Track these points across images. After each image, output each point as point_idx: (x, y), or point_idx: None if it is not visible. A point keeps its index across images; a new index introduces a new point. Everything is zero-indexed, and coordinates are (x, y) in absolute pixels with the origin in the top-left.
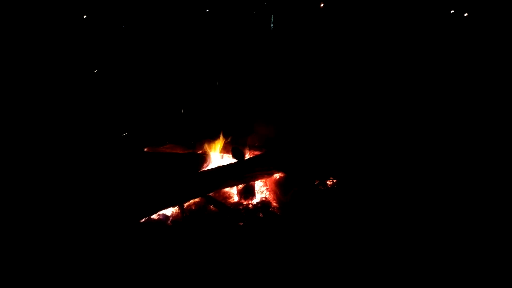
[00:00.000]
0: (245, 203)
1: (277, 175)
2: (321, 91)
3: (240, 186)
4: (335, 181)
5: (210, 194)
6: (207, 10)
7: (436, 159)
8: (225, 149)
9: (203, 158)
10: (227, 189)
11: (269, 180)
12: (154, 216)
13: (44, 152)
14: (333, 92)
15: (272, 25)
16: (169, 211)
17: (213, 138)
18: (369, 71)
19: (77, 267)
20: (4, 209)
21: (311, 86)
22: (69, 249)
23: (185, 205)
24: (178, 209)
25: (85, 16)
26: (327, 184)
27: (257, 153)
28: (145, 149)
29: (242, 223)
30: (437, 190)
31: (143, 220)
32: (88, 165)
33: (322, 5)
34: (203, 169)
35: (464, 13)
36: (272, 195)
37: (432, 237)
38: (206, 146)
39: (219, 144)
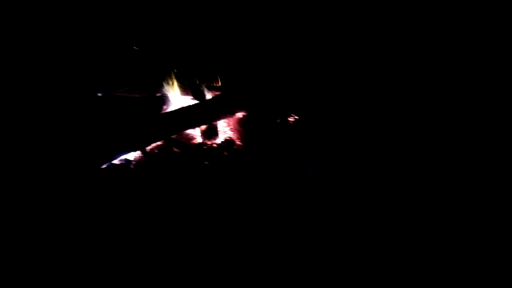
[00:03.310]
0: (209, 143)
1: (239, 114)
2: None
3: (203, 127)
4: (296, 117)
5: (173, 136)
6: None
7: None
8: (185, 91)
9: (163, 100)
10: (190, 131)
11: (232, 120)
12: (116, 162)
13: None
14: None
15: None
16: (132, 156)
17: (171, 80)
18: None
19: (37, 221)
20: None
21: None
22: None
23: (148, 149)
24: (141, 153)
25: None
26: (288, 120)
27: (217, 93)
28: (99, 94)
29: (207, 162)
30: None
31: (104, 166)
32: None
33: None
34: (164, 112)
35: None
36: (235, 134)
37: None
38: (164, 88)
39: (178, 85)
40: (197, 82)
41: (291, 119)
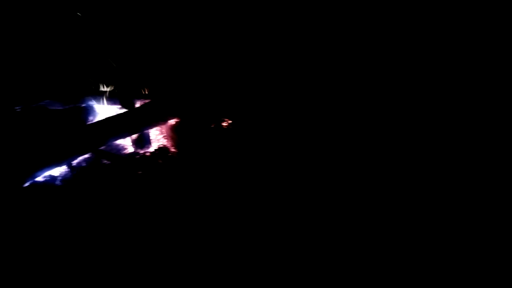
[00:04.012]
0: (141, 152)
1: (172, 121)
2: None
3: (134, 136)
4: (230, 122)
5: (102, 148)
6: None
7: None
8: (112, 100)
9: (88, 111)
10: (120, 141)
11: (165, 127)
12: (40, 179)
13: None
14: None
15: None
16: (57, 172)
17: (96, 90)
18: None
19: None
20: None
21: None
22: None
23: (74, 163)
24: (67, 168)
25: None
26: (222, 125)
27: (147, 101)
28: (17, 108)
29: (140, 172)
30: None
31: (26, 184)
32: None
33: None
34: (89, 123)
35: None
36: (169, 141)
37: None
38: (89, 98)
39: (104, 95)
40: (125, 89)
41: (224, 123)
